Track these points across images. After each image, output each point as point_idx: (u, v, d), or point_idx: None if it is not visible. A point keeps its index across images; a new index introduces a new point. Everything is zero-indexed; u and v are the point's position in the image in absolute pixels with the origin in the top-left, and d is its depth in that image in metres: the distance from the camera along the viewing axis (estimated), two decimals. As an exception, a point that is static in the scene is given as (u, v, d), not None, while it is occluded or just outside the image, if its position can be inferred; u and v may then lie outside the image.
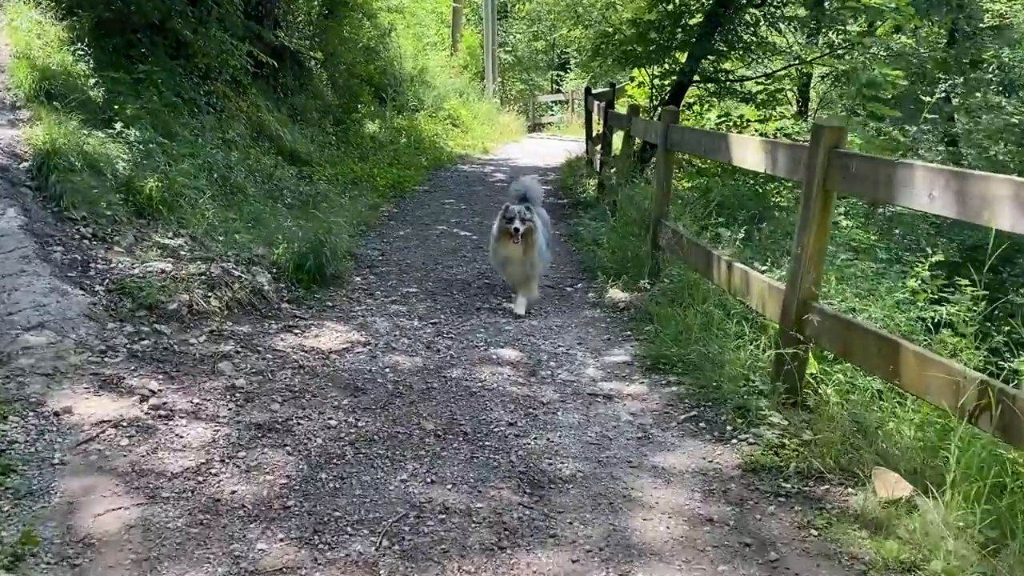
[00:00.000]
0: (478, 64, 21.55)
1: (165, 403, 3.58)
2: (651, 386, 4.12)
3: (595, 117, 12.18)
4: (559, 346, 4.74)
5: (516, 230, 5.35)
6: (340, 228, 6.61)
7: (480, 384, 4.09)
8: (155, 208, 5.65)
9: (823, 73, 12.38)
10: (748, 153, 4.35)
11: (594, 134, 12.24)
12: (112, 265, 4.75)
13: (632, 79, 15.91)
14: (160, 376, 3.85)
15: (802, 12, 10.66)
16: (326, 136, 11.83)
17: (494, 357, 4.51)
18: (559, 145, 16.63)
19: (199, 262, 5.04)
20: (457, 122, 16.58)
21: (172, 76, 7.95)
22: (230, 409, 3.61)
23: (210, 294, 4.73)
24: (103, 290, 4.48)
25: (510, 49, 26.76)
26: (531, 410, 3.80)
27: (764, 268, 4.44)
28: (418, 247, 7.38)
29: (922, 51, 11.17)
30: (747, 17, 10.88)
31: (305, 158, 10.62)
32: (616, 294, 5.53)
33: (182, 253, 5.21)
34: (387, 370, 4.20)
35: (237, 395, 3.75)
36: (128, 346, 4.08)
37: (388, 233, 7.98)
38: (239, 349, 4.30)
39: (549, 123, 24.46)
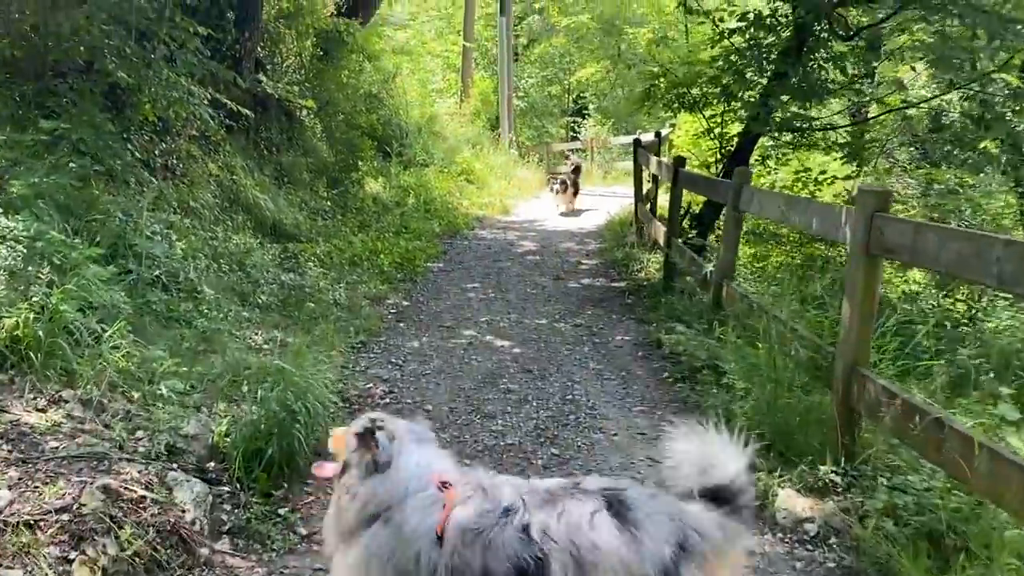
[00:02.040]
0: (490, 111, 19.63)
1: None
2: None
3: (646, 173, 10.10)
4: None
5: None
6: (325, 365, 4.39)
7: None
8: (23, 355, 3.47)
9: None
10: None
11: (645, 193, 10.13)
12: None
13: (673, 126, 13.90)
14: None
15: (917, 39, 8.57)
16: (319, 201, 9.72)
17: None
18: (587, 200, 14.57)
19: (65, 479, 2.81)
20: (471, 177, 14.53)
21: (101, 135, 5.84)
22: None
23: (74, 555, 2.51)
24: None
25: (522, 95, 24.92)
26: None
27: None
28: (440, 373, 5.16)
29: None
30: (833, 49, 8.81)
31: (291, 232, 8.49)
32: (792, 501, 3.26)
33: (44, 447, 3.00)
34: None
35: None
36: None
37: (396, 346, 5.77)
38: None
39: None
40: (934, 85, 11.61)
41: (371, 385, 4.85)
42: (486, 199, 13.85)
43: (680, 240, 7.26)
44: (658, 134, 11.66)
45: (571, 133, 25.59)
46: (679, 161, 7.42)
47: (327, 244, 8.55)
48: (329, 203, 9.85)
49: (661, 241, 7.93)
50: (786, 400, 3.70)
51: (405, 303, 7.10)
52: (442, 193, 12.75)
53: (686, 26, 26.24)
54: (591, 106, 23.98)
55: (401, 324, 6.38)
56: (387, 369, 5.22)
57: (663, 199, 11.17)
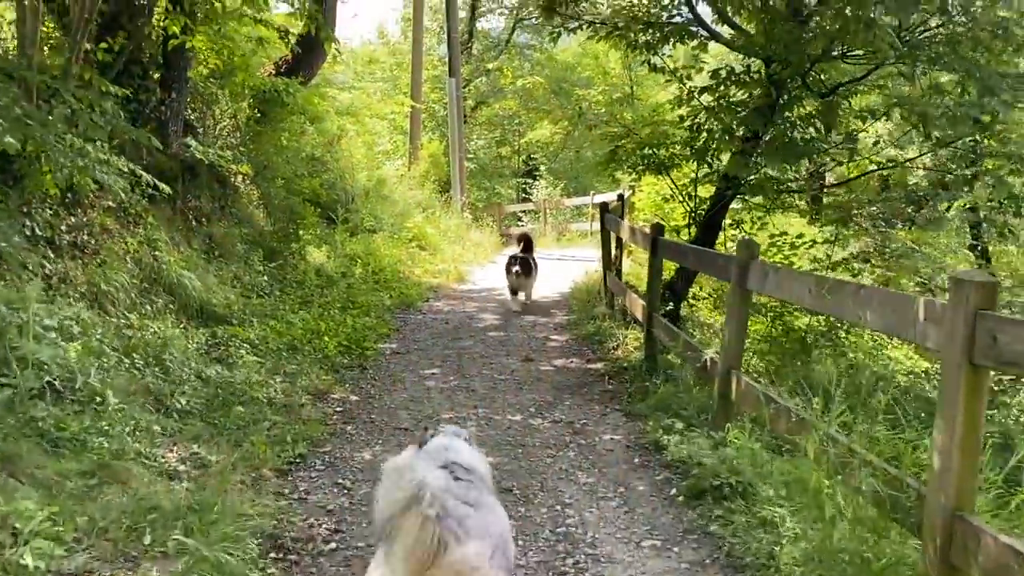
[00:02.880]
0: (441, 173, 18.96)
1: None
2: None
3: (615, 239, 9.39)
4: None
5: None
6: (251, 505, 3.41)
7: None
8: None
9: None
10: None
11: (613, 259, 9.40)
12: None
13: (633, 188, 13.36)
14: None
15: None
16: (254, 276, 8.73)
17: None
18: (545, 265, 13.83)
19: None
20: (423, 243, 13.69)
21: (-21, 212, 4.85)
22: None
23: None
24: None
25: (471, 156, 24.38)
26: None
27: None
28: (399, 496, 4.20)
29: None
30: (807, 108, 8.33)
31: (221, 314, 7.47)
32: None
33: None
34: None
35: None
36: None
37: (343, 460, 4.78)
38: None
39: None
40: (891, 143, 11.34)
41: (312, 522, 3.86)
42: (440, 266, 13.00)
43: (663, 315, 6.50)
44: (621, 196, 11.05)
45: (522, 194, 25.11)
46: (658, 229, 6.70)
47: (263, 326, 7.54)
48: (266, 277, 8.86)
49: (639, 315, 7.16)
50: (855, 547, 2.87)
51: (353, 397, 6.12)
52: (392, 261, 11.86)
53: (631, 88, 26.32)
54: (542, 167, 23.54)
55: (349, 428, 5.40)
56: (332, 495, 4.23)
57: (627, 264, 10.52)
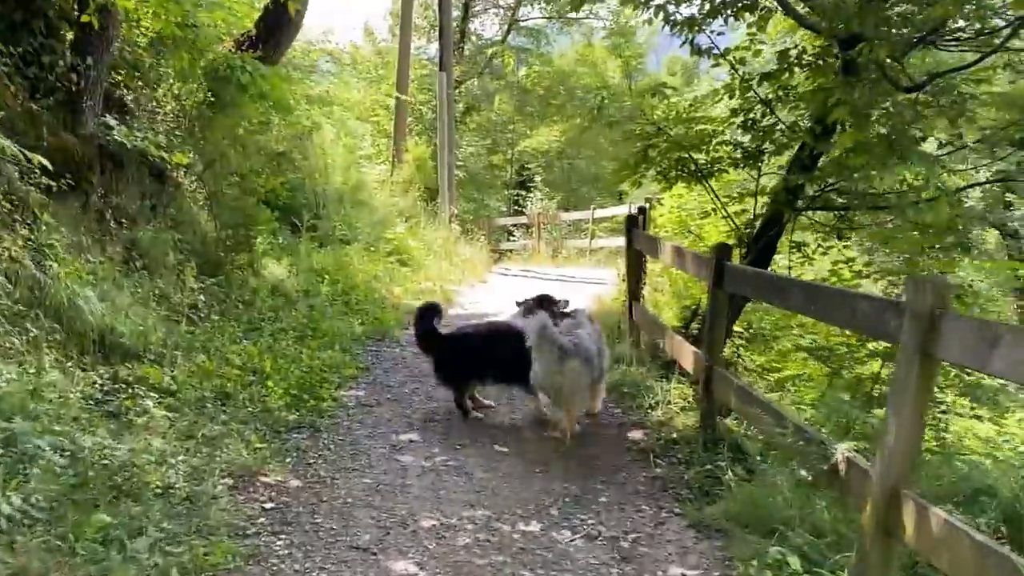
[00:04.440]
0: (427, 179, 17.13)
1: None
2: None
3: (652, 264, 7.59)
4: None
5: None
6: None
7: None
8: None
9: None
10: None
11: (641, 287, 7.59)
12: None
13: (650, 201, 11.61)
14: None
15: None
16: (186, 295, 6.83)
17: None
18: (542, 285, 12.02)
19: None
20: (405, 257, 11.82)
21: None
22: None
23: None
24: None
25: (460, 163, 22.58)
26: None
27: None
28: None
29: None
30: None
31: (129, 347, 5.58)
32: None
33: None
34: None
35: None
36: None
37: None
38: None
39: (510, 250, 20.07)
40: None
41: None
42: (423, 285, 11.14)
43: (732, 374, 4.69)
44: (643, 209, 9.27)
45: (514, 207, 23.32)
46: (724, 251, 4.88)
47: (188, 364, 5.66)
48: (203, 297, 6.96)
49: (688, 367, 5.35)
50: None
51: (294, 483, 4.23)
52: (367, 278, 10.00)
53: (630, 87, 24.61)
54: (537, 177, 21.78)
55: (278, 543, 3.51)
56: None
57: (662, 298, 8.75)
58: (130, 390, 4.98)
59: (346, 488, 4.17)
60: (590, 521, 3.85)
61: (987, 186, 8.59)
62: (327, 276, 9.24)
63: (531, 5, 26.61)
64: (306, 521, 3.75)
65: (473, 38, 26.29)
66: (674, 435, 4.98)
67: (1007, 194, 8.79)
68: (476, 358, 5.46)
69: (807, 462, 3.45)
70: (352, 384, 6.32)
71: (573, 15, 26.86)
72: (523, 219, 20.91)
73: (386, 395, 6.08)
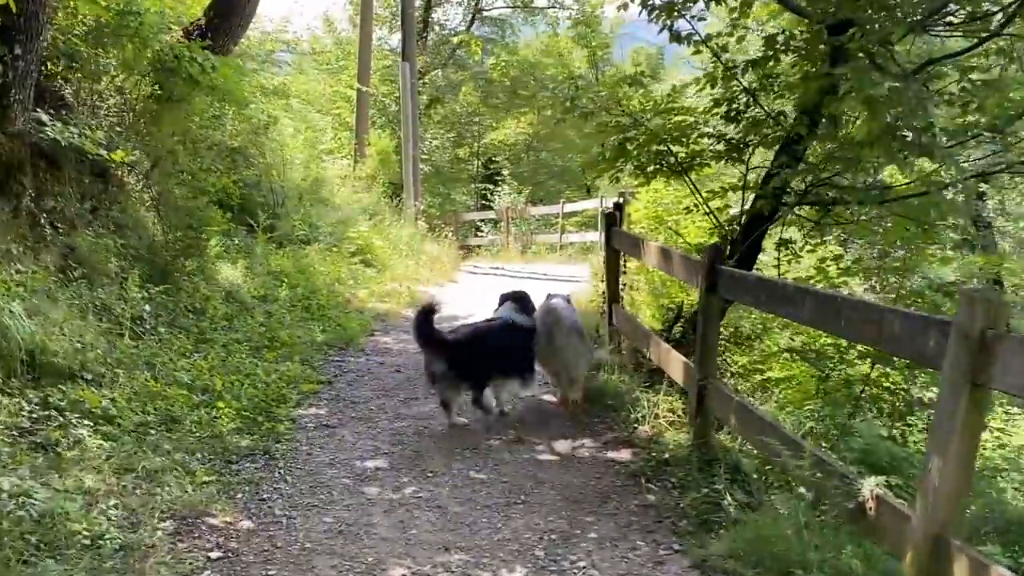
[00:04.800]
0: (391, 174, 16.56)
1: None
2: None
3: (633, 263, 7.18)
4: None
5: None
6: None
7: None
8: None
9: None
10: None
11: (622, 289, 7.19)
12: None
13: (623, 196, 11.22)
14: None
15: None
16: (130, 305, 6.26)
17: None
18: (515, 283, 11.58)
19: None
20: (370, 257, 11.30)
21: None
22: None
23: None
24: None
25: (425, 157, 22.02)
26: None
27: None
28: None
29: None
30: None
31: (62, 366, 5.03)
32: None
33: None
34: None
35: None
36: None
37: None
38: None
39: (478, 246, 19.59)
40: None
41: None
42: (389, 286, 10.63)
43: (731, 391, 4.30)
44: (619, 205, 8.86)
45: (482, 201, 22.83)
46: (716, 253, 4.48)
47: (130, 384, 5.14)
48: (148, 307, 6.40)
49: (678, 378, 4.96)
50: None
51: (245, 524, 3.74)
52: (329, 281, 9.47)
53: (597, 77, 24.14)
54: (505, 171, 21.30)
55: (224, 605, 3.05)
56: None
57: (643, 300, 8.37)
58: (61, 417, 4.47)
59: (304, 530, 3.70)
60: (581, 564, 3.43)
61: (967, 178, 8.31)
62: (286, 280, 8.70)
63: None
64: (257, 573, 3.27)
65: (436, 28, 25.70)
66: (665, 455, 4.58)
67: (981, 184, 8.58)
68: (492, 353, 5.39)
69: (827, 497, 3.06)
70: (312, 400, 5.83)
71: (537, 3, 26.42)
72: (491, 214, 20.44)
73: (350, 413, 5.59)
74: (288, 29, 15.94)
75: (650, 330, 5.91)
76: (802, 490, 3.33)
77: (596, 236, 15.88)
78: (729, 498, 3.86)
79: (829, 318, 3.22)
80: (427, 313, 5.31)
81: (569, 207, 17.34)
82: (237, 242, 9.16)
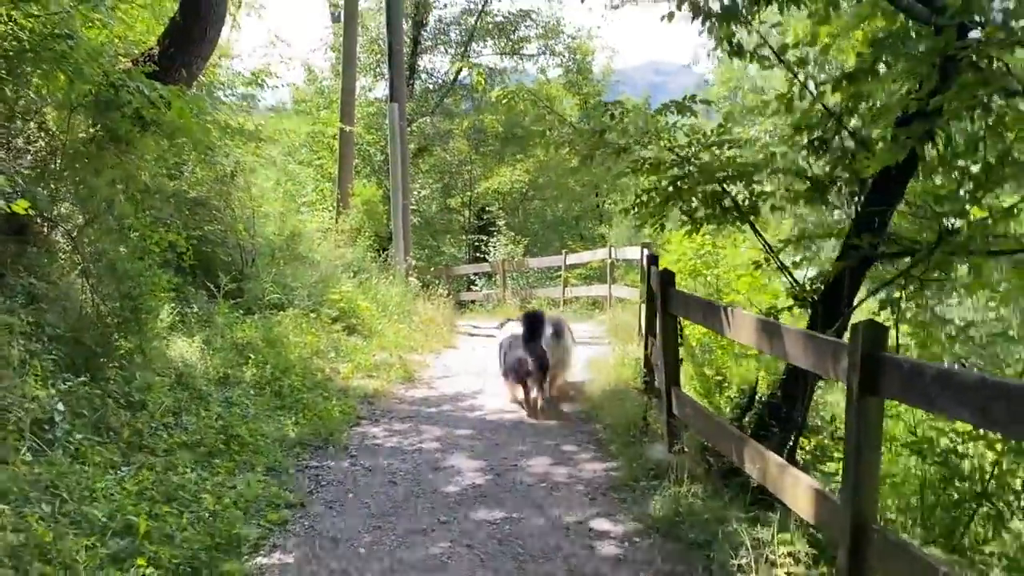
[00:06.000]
0: (378, 226, 15.11)
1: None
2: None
3: (696, 332, 5.67)
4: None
5: None
6: None
7: None
8: None
9: None
10: None
11: (682, 358, 5.66)
12: None
13: (647, 246, 9.79)
14: None
15: None
16: (32, 407, 4.65)
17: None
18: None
19: None
20: (355, 322, 9.75)
21: None
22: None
23: None
24: None
25: (414, 207, 20.63)
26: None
27: None
28: None
29: None
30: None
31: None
32: None
33: None
34: None
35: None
36: None
37: None
38: None
39: (472, 300, 18.09)
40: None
41: None
42: (377, 356, 9.07)
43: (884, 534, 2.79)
44: (653, 258, 7.41)
45: (475, 253, 21.41)
46: (876, 334, 3.00)
47: (11, 537, 3.52)
48: (61, 406, 4.81)
49: (806, 514, 3.42)
50: None
51: None
52: (306, 354, 7.89)
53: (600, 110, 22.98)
54: (500, 221, 19.93)
55: None
56: None
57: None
58: None
59: None
60: None
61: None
62: (252, 355, 7.14)
63: (483, 41, 25.15)
64: None
65: (423, 75, 24.62)
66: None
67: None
68: None
69: None
70: (278, 538, 4.21)
71: (527, 51, 25.46)
72: (485, 266, 18.99)
73: (329, 561, 3.98)
74: (269, 70, 14.67)
75: (743, 434, 4.35)
76: None
77: (604, 290, 14.45)
78: None
79: None
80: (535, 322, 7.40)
81: (573, 258, 15.94)
82: (196, 310, 7.62)
